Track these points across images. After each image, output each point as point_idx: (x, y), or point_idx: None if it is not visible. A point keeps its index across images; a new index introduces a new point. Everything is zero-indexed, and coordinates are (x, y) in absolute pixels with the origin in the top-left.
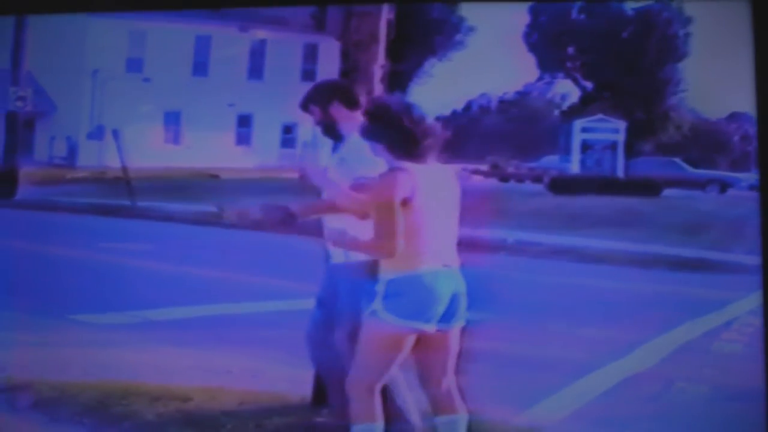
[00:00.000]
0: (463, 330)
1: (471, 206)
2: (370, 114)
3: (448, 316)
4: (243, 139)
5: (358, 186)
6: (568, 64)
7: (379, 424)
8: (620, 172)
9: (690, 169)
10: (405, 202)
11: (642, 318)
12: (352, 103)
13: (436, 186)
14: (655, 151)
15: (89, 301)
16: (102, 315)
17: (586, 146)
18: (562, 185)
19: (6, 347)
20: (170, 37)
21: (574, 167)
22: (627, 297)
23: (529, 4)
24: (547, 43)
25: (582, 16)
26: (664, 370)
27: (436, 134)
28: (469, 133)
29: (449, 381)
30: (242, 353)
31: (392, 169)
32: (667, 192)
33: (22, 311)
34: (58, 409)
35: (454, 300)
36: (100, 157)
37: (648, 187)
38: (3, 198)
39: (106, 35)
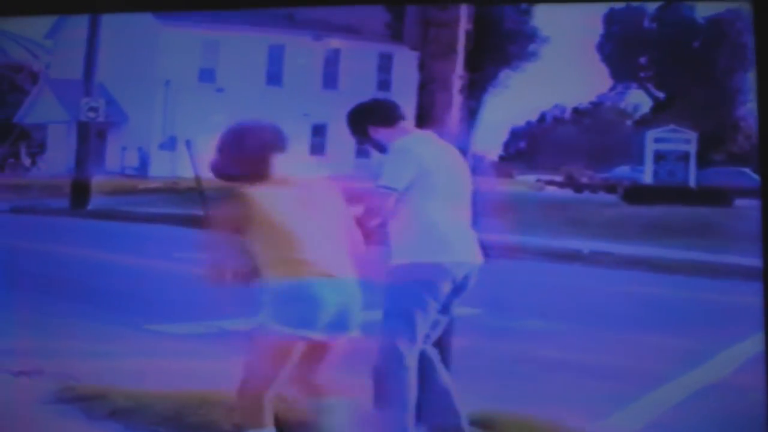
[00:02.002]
0: (540, 339)
1: (547, 216)
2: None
3: (336, 326)
4: (317, 148)
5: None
6: (641, 74)
7: (269, 430)
8: (692, 183)
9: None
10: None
11: (715, 328)
12: (388, 121)
13: (302, 199)
14: (726, 160)
15: (164, 310)
16: (177, 325)
17: (659, 156)
18: (636, 195)
19: (82, 357)
20: (243, 46)
21: (647, 177)
22: (700, 307)
23: (603, 13)
24: (620, 52)
25: (654, 26)
26: (738, 380)
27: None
28: (544, 144)
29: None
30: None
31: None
32: (739, 202)
33: (97, 321)
34: (134, 419)
35: (341, 310)
36: (173, 168)
37: (720, 197)
38: (76, 208)
39: (179, 45)
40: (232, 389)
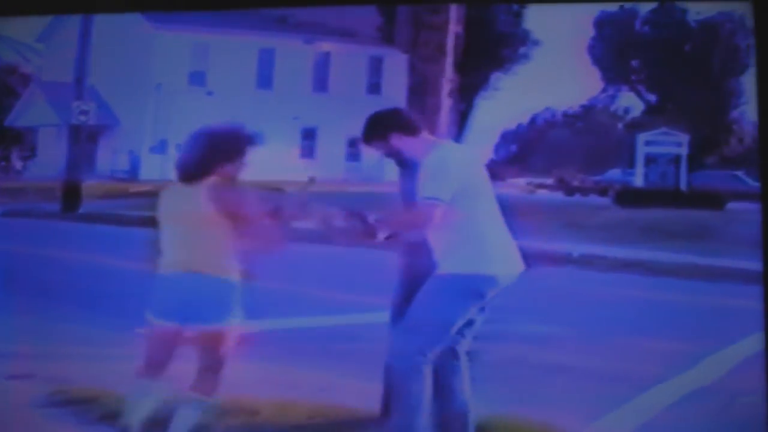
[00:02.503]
0: (533, 342)
1: (539, 220)
2: None
3: (182, 317)
4: (307, 152)
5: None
6: (632, 77)
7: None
8: (684, 186)
9: (752, 183)
10: None
11: (707, 331)
12: (411, 130)
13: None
14: (718, 164)
15: (155, 314)
16: None
17: (650, 159)
18: (628, 198)
19: (74, 360)
20: (233, 50)
21: (639, 180)
22: (693, 310)
23: (595, 16)
24: (611, 55)
25: (646, 28)
26: (730, 383)
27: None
28: (535, 147)
29: None
30: (311, 367)
31: None
32: (731, 205)
33: (89, 324)
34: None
35: (186, 303)
36: (163, 171)
37: (711, 201)
38: (67, 211)
39: (169, 49)
40: (225, 393)
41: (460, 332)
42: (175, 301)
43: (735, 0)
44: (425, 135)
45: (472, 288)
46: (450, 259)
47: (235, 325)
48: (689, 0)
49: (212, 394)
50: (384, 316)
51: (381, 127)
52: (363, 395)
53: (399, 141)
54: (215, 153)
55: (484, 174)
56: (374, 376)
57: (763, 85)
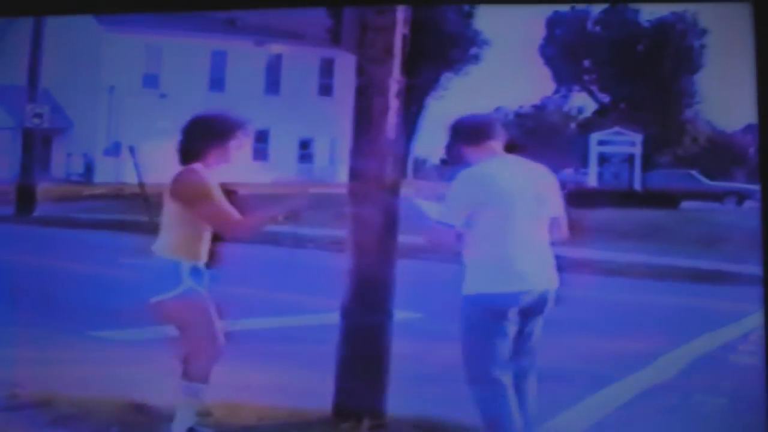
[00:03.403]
0: None
1: None
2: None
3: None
4: (260, 154)
5: None
6: (585, 77)
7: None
8: (637, 185)
9: (707, 182)
10: None
11: (660, 330)
12: (475, 139)
13: None
14: (671, 163)
15: (109, 317)
16: (121, 331)
17: (603, 159)
18: (580, 198)
19: (25, 364)
20: (186, 52)
21: (592, 180)
22: (645, 309)
23: (546, 16)
24: (563, 56)
25: (597, 29)
26: (682, 382)
27: None
28: None
29: None
30: (262, 368)
31: None
32: (685, 204)
33: (41, 328)
34: (77, 426)
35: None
36: (117, 174)
37: (666, 200)
38: (21, 214)
39: (122, 51)
40: (176, 395)
41: (520, 349)
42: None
43: (735, 0)
44: (489, 145)
45: (489, 307)
46: (468, 278)
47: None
48: (688, 1)
49: (195, 379)
50: (333, 318)
51: (450, 136)
52: (313, 396)
53: (465, 150)
54: (201, 138)
55: (538, 187)
56: (324, 377)
57: (763, 85)
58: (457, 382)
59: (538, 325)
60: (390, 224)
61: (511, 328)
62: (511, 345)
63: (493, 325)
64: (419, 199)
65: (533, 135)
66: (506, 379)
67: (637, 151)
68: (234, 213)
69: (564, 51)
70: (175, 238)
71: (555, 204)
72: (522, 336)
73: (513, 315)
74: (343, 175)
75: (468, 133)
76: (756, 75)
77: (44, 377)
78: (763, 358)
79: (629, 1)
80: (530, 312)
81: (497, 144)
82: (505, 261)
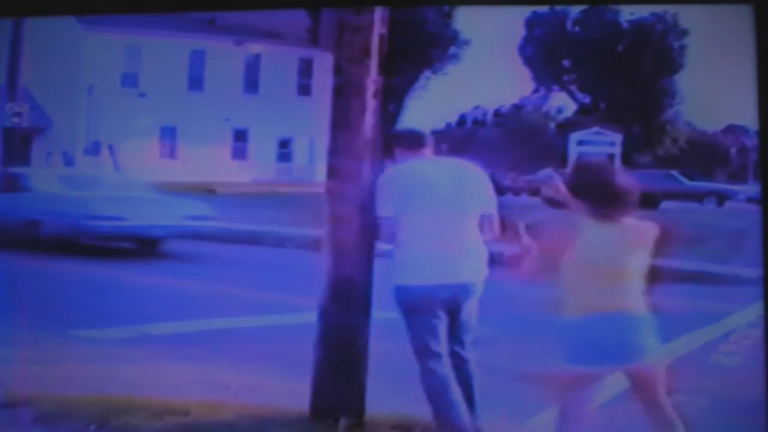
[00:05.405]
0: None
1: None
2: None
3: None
4: (239, 153)
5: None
6: (564, 77)
7: None
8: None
9: (687, 182)
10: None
11: None
12: (411, 146)
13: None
14: (652, 163)
15: (89, 316)
16: (102, 330)
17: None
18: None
19: (6, 363)
20: (165, 51)
21: None
22: None
23: (525, 16)
24: (542, 56)
25: (576, 29)
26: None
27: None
28: (465, 147)
29: None
30: (240, 367)
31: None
32: (665, 205)
33: (21, 327)
34: (59, 425)
35: (624, 344)
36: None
37: (645, 200)
38: None
39: (102, 50)
40: (157, 394)
41: (457, 339)
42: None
43: (735, 2)
44: (422, 152)
45: (412, 298)
46: (395, 269)
47: None
48: (687, 3)
49: None
50: (311, 317)
51: (390, 144)
52: (291, 395)
53: (399, 155)
54: None
55: (461, 185)
56: (302, 376)
57: (764, 85)
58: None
59: (469, 316)
60: (368, 223)
61: (438, 317)
62: (446, 333)
63: (422, 313)
64: None
65: (512, 134)
66: (445, 360)
67: (617, 151)
68: None
69: (543, 51)
70: None
71: (484, 201)
72: (455, 325)
73: (436, 305)
74: (322, 174)
75: (403, 141)
76: (756, 76)
77: (24, 376)
78: (764, 358)
79: (619, 2)
80: (454, 303)
81: (429, 151)
82: (425, 253)
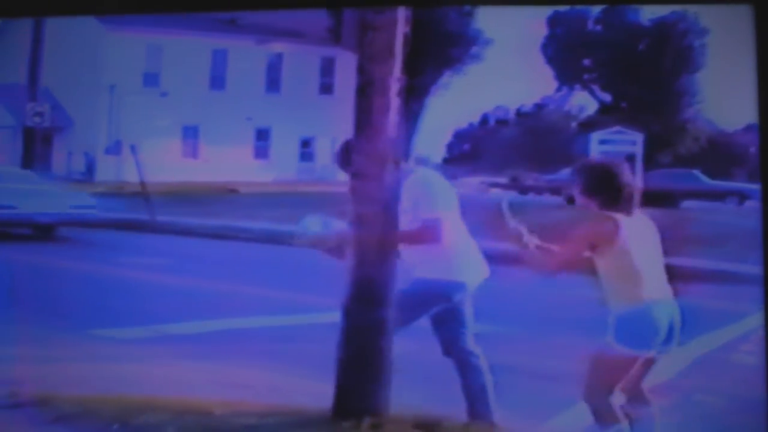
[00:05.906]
0: (484, 342)
1: (491, 219)
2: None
3: (667, 342)
4: (261, 152)
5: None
6: (585, 76)
7: (625, 423)
8: (639, 184)
9: (708, 181)
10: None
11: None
12: None
13: (642, 232)
14: (673, 162)
15: (109, 316)
16: (122, 330)
17: None
18: None
19: (27, 363)
20: (187, 51)
21: None
22: None
23: (547, 15)
24: (564, 55)
25: (598, 28)
26: (683, 382)
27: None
28: (487, 146)
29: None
30: (262, 367)
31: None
32: (686, 204)
33: (42, 327)
34: (79, 424)
35: (671, 327)
36: (118, 172)
37: (667, 199)
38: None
39: (123, 50)
40: (177, 393)
41: (459, 332)
42: (672, 330)
43: (736, 2)
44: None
45: (441, 293)
46: (425, 265)
47: None
48: (692, 3)
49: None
50: (335, 317)
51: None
52: (314, 395)
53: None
54: None
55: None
56: (325, 376)
57: (763, 85)
58: (458, 380)
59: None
60: (390, 223)
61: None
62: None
63: (426, 309)
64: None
65: (534, 134)
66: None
67: (638, 150)
68: None
69: (565, 50)
70: None
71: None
72: (464, 321)
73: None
74: (343, 173)
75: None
76: (757, 76)
77: (44, 376)
78: (764, 358)
79: (632, 2)
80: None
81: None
82: (454, 251)
